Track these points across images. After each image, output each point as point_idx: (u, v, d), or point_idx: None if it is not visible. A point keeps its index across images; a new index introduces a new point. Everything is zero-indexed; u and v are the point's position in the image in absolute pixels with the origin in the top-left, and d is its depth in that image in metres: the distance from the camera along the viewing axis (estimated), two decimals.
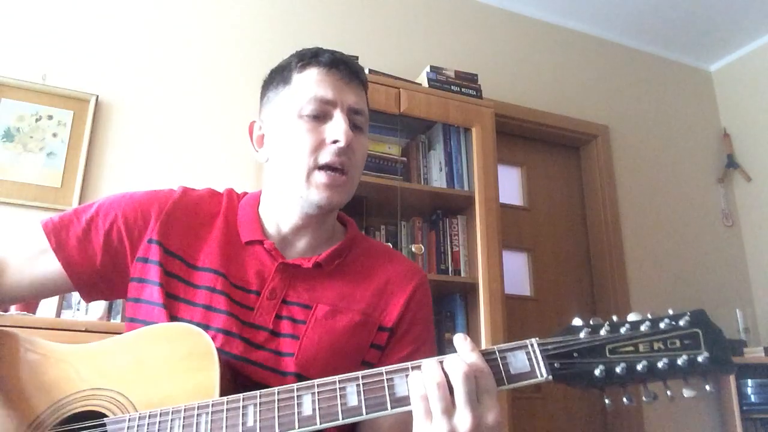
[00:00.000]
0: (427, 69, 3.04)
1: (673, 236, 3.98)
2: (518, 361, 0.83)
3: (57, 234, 1.08)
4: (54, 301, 2.28)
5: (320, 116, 1.10)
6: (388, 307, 1.14)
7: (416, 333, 1.15)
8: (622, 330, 0.83)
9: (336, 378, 0.85)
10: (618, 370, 0.81)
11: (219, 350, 0.95)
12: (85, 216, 1.11)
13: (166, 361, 0.96)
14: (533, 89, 3.81)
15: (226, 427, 0.85)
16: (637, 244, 3.83)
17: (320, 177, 1.09)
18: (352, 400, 0.83)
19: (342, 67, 1.13)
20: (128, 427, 0.90)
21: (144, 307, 1.08)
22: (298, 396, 0.85)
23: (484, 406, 0.80)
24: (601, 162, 3.87)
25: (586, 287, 3.74)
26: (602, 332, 0.84)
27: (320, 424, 0.83)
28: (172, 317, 1.05)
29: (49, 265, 1.08)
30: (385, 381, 0.84)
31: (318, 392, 0.85)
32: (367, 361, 1.10)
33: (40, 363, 1.02)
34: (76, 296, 2.30)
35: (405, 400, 0.82)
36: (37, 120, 2.64)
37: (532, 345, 0.84)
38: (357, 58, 2.80)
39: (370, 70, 2.92)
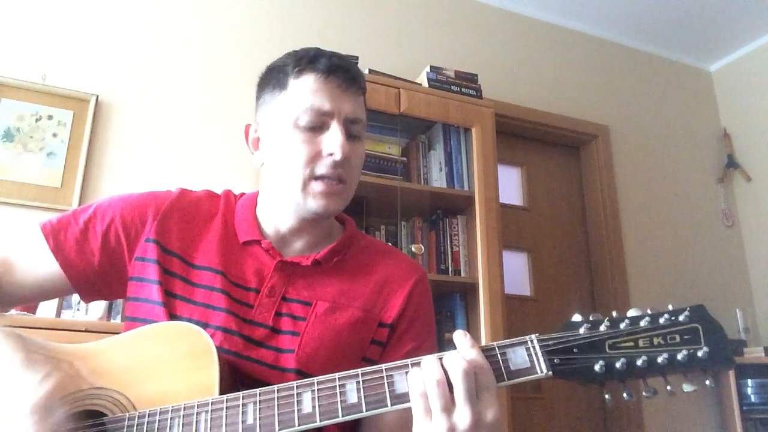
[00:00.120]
0: (427, 69, 3.04)
1: (673, 236, 3.98)
2: (518, 357, 0.83)
3: (55, 235, 1.09)
4: (54, 301, 2.28)
5: (316, 127, 1.09)
6: (388, 304, 1.14)
7: (417, 329, 1.15)
8: (622, 325, 0.83)
9: (336, 375, 0.85)
10: (618, 365, 0.81)
11: (218, 348, 0.95)
12: (83, 217, 1.11)
13: (165, 360, 0.96)
14: (533, 89, 3.81)
15: (226, 425, 0.85)
16: (637, 244, 3.83)
17: (317, 186, 1.08)
18: (352, 397, 0.84)
19: (340, 73, 1.11)
20: (128, 426, 0.90)
21: (143, 306, 1.08)
22: (297, 393, 0.85)
23: (483, 403, 0.80)
24: (601, 162, 3.87)
25: (586, 287, 3.74)
26: (602, 328, 0.84)
27: (320, 421, 0.83)
28: (172, 315, 1.05)
29: (48, 267, 1.08)
30: (385, 378, 0.84)
31: (318, 389, 0.85)
32: (367, 357, 1.10)
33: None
34: (76, 296, 2.29)
35: (405, 397, 0.82)
36: (37, 120, 2.64)
37: (531, 341, 0.84)
38: (357, 58, 2.81)
39: (370, 70, 2.92)
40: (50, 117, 2.66)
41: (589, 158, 3.95)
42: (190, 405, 0.88)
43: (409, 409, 0.82)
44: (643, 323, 0.83)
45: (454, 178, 2.92)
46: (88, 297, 1.14)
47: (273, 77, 1.15)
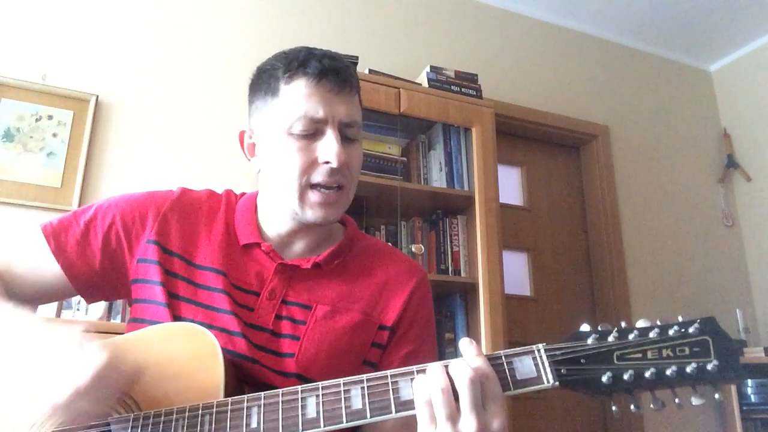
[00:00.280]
0: (427, 69, 3.04)
1: (673, 236, 3.98)
2: (524, 367, 0.83)
3: (56, 237, 1.09)
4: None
5: (311, 134, 1.07)
6: (388, 306, 1.14)
7: (417, 331, 1.15)
8: (631, 336, 0.82)
9: (341, 381, 0.85)
10: (626, 377, 0.80)
11: (223, 349, 0.95)
12: (83, 218, 1.11)
13: (171, 361, 0.96)
14: (533, 89, 3.81)
15: (230, 428, 0.85)
16: (637, 244, 3.83)
17: (314, 196, 1.07)
18: (357, 403, 0.83)
19: (331, 76, 1.08)
20: (132, 427, 0.90)
21: (148, 307, 1.08)
22: (302, 398, 0.85)
23: (489, 413, 0.79)
24: (601, 162, 3.87)
25: (586, 287, 3.74)
26: (610, 338, 0.83)
27: (324, 426, 0.83)
28: (175, 317, 1.05)
29: (49, 269, 1.08)
30: (390, 384, 0.84)
31: (322, 394, 0.85)
32: (368, 360, 1.10)
33: None
34: (76, 297, 2.29)
35: (410, 404, 0.82)
36: (37, 120, 2.63)
37: (538, 350, 0.84)
38: (357, 58, 2.81)
39: (370, 70, 2.92)
40: (50, 117, 2.65)
41: (589, 158, 3.94)
42: (195, 407, 0.88)
43: (410, 415, 0.81)
44: (652, 334, 0.82)
45: (454, 178, 2.92)
46: (90, 298, 1.14)
47: (264, 82, 1.13)
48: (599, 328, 0.84)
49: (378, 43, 3.42)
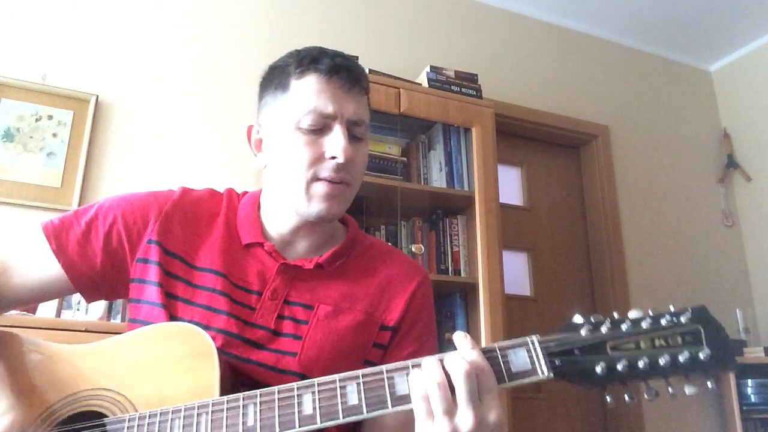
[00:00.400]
0: (427, 69, 3.04)
1: (673, 236, 3.98)
2: (519, 359, 0.83)
3: (57, 236, 1.08)
4: (54, 301, 2.27)
5: (319, 129, 1.08)
6: (390, 306, 1.14)
7: (418, 331, 1.15)
8: (624, 327, 0.83)
9: (336, 377, 0.85)
10: (619, 367, 0.80)
11: (219, 350, 0.95)
12: (84, 218, 1.11)
13: (166, 361, 0.96)
14: (533, 89, 3.81)
15: (227, 426, 0.85)
16: (637, 244, 3.83)
17: (319, 188, 1.08)
18: (353, 399, 0.83)
19: (343, 74, 1.09)
20: (128, 427, 0.90)
21: (145, 307, 1.08)
22: (298, 395, 0.85)
23: (485, 405, 0.79)
24: (601, 162, 3.87)
25: (586, 287, 3.74)
26: (603, 329, 0.83)
27: (320, 422, 0.82)
28: (172, 317, 1.05)
29: (50, 268, 1.08)
30: (386, 379, 0.83)
31: (318, 391, 0.84)
32: (370, 360, 1.10)
33: (41, 363, 1.01)
34: (76, 296, 2.30)
35: (406, 399, 0.82)
36: (37, 120, 2.63)
37: (533, 342, 0.84)
38: (357, 58, 2.81)
39: (370, 70, 2.91)
40: (50, 117, 2.66)
41: (589, 158, 3.94)
42: (191, 406, 0.88)
43: (409, 411, 0.81)
44: (644, 324, 0.82)
45: (454, 178, 2.92)
46: (90, 297, 1.13)
47: (275, 77, 1.14)
48: (592, 319, 0.84)
49: (378, 43, 3.42)
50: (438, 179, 2.92)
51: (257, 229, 1.14)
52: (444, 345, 2.76)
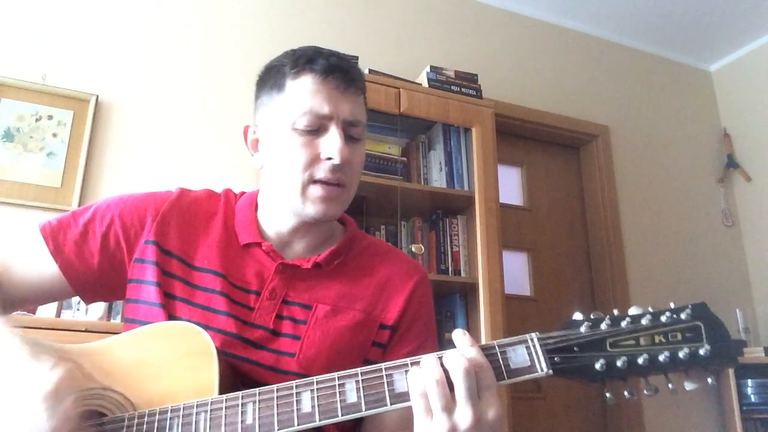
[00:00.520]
0: (427, 69, 3.04)
1: (673, 236, 3.98)
2: (518, 356, 0.83)
3: (54, 237, 1.08)
4: None
5: (314, 130, 1.07)
6: (389, 305, 1.14)
7: (418, 330, 1.15)
8: (623, 323, 0.83)
9: (335, 374, 0.85)
10: (619, 363, 0.80)
11: (219, 351, 0.95)
12: (82, 219, 1.11)
13: (165, 360, 0.96)
14: (533, 89, 3.81)
15: (225, 425, 0.85)
16: (637, 244, 3.83)
17: (315, 191, 1.07)
18: (351, 397, 0.83)
19: (338, 74, 1.08)
20: (127, 426, 0.89)
21: (142, 307, 1.07)
22: (297, 393, 0.85)
23: (484, 402, 0.79)
24: (601, 162, 3.87)
25: (586, 287, 3.74)
26: (603, 326, 0.83)
27: (319, 420, 0.83)
28: (171, 317, 1.05)
29: (47, 270, 1.07)
30: (384, 377, 0.84)
31: (317, 389, 0.85)
32: (369, 359, 1.10)
33: None
34: (76, 296, 2.30)
35: (405, 396, 0.82)
36: (37, 120, 2.64)
37: (532, 339, 0.84)
38: (357, 58, 2.81)
39: (370, 70, 2.92)
40: (50, 117, 2.66)
41: (589, 158, 3.94)
42: (190, 405, 0.88)
43: (409, 409, 0.81)
44: (644, 321, 0.82)
45: (454, 178, 2.92)
46: (88, 299, 1.14)
47: (270, 78, 1.14)
48: (592, 316, 0.84)
49: (378, 43, 3.42)
50: (438, 179, 2.92)
51: (255, 229, 1.14)
52: (444, 345, 2.75)
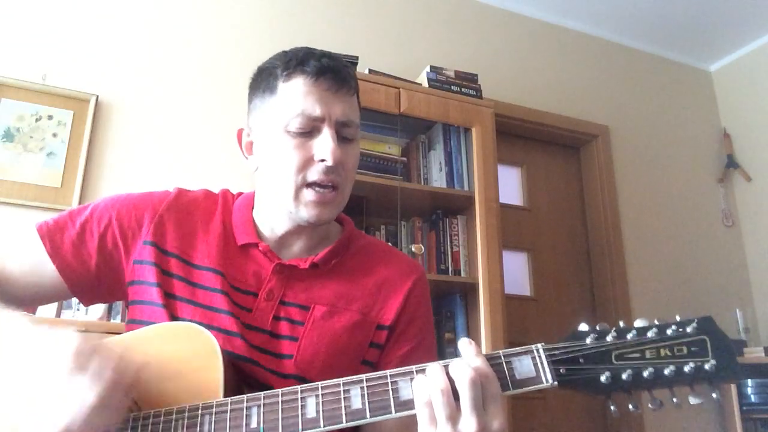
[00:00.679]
0: (427, 69, 3.04)
1: (673, 236, 3.98)
2: (523, 367, 0.82)
3: (51, 238, 1.08)
4: None
5: (307, 132, 1.07)
6: (386, 305, 1.13)
7: (416, 329, 1.15)
8: (629, 336, 0.82)
9: (340, 380, 0.85)
10: (624, 376, 0.80)
11: (222, 350, 0.95)
12: (79, 219, 1.10)
13: (170, 361, 0.95)
14: (533, 89, 3.81)
15: (230, 428, 0.85)
16: (637, 244, 3.83)
17: (309, 195, 1.07)
18: (356, 403, 0.83)
19: (330, 75, 1.08)
20: (132, 427, 0.89)
21: (145, 308, 1.07)
22: (302, 398, 0.85)
23: (489, 413, 0.79)
24: (601, 162, 3.87)
25: (586, 287, 3.74)
26: (609, 338, 0.83)
27: (324, 426, 0.83)
28: (173, 317, 1.05)
29: (44, 270, 1.07)
30: (390, 384, 0.84)
31: (322, 394, 0.85)
32: (367, 360, 1.10)
33: None
34: (73, 297, 2.30)
35: (409, 404, 0.82)
36: (37, 120, 2.63)
37: (537, 350, 0.83)
38: (357, 58, 2.81)
39: (370, 70, 2.92)
40: (50, 117, 2.65)
41: (589, 158, 3.95)
42: (195, 407, 0.88)
43: (411, 415, 0.81)
44: (650, 334, 0.82)
45: (454, 178, 2.92)
46: (86, 300, 1.13)
47: (263, 80, 1.14)
48: (597, 328, 0.84)
49: (378, 43, 3.42)
50: (438, 179, 2.92)
51: (252, 230, 1.14)
52: (444, 345, 2.76)
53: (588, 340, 0.83)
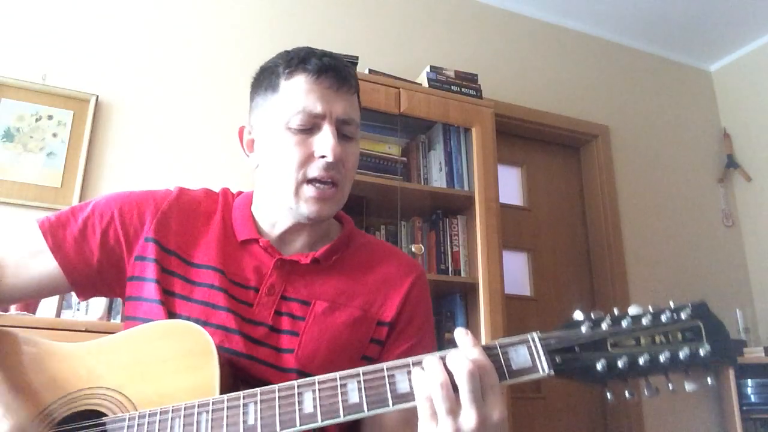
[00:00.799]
0: (427, 69, 3.04)
1: (673, 236, 3.98)
2: (519, 356, 0.82)
3: (54, 233, 1.08)
4: (54, 301, 2.28)
5: (308, 129, 1.08)
6: (387, 302, 1.14)
7: (416, 327, 1.15)
8: (624, 323, 0.82)
9: (337, 375, 0.85)
10: (620, 363, 0.80)
11: (218, 347, 0.95)
12: (81, 215, 1.11)
13: (166, 359, 0.95)
14: (533, 89, 3.81)
15: (227, 425, 0.85)
16: (637, 244, 3.83)
17: (309, 191, 1.08)
18: (353, 397, 0.83)
19: (331, 73, 1.10)
20: (128, 426, 0.89)
21: (142, 305, 1.07)
22: (299, 393, 0.84)
23: (488, 404, 0.79)
24: (601, 162, 3.87)
25: (586, 287, 3.74)
26: (603, 326, 0.83)
27: (321, 421, 0.82)
28: (170, 314, 1.05)
29: (46, 265, 1.07)
30: (386, 377, 0.83)
31: (319, 389, 0.84)
32: (367, 356, 1.10)
33: (38, 362, 1.01)
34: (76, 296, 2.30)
35: (406, 397, 0.81)
36: (37, 120, 2.63)
37: (533, 339, 0.83)
38: (357, 58, 2.81)
39: (370, 70, 2.92)
40: (50, 117, 2.66)
41: (589, 158, 3.94)
42: (191, 405, 0.88)
43: (410, 408, 0.81)
44: (644, 321, 0.82)
45: (454, 178, 2.92)
46: (84, 294, 1.13)
47: (265, 79, 1.15)
48: (592, 316, 0.84)
49: (378, 43, 3.42)
50: (438, 179, 2.92)
51: (252, 226, 1.15)
52: (443, 344, 2.76)
53: (583, 329, 0.83)
